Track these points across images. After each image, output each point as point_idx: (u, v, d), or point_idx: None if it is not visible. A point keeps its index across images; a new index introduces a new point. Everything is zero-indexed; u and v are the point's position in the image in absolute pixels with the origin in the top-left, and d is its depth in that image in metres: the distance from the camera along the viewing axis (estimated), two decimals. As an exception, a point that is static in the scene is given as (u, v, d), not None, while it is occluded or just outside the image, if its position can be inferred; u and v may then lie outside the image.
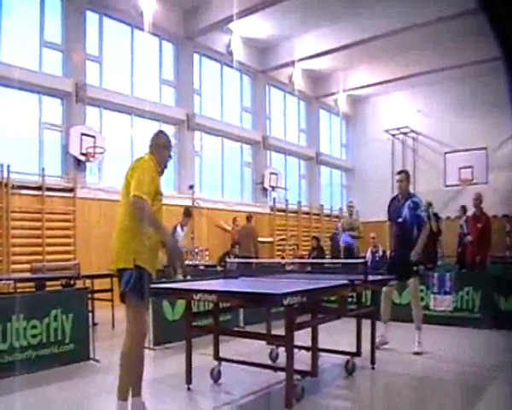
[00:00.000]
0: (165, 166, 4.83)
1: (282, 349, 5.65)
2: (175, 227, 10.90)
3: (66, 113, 12.98)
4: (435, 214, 12.16)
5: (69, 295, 7.23)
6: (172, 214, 11.20)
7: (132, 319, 4.41)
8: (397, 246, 7.76)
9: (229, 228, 15.83)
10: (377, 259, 14.33)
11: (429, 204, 12.16)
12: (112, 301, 9.49)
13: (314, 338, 5.35)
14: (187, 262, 11.81)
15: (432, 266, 11.38)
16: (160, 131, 5.01)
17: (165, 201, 14.20)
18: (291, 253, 17.96)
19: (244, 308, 8.46)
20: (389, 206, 7.95)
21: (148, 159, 4.60)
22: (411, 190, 8.05)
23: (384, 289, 7.52)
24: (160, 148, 4.72)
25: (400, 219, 7.59)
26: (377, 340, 6.86)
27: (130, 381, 4.42)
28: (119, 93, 13.98)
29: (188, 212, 11.53)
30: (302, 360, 5.37)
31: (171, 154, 4.91)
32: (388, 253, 8.38)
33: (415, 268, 7.45)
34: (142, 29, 13.93)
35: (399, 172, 7.90)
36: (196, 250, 14.12)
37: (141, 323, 4.47)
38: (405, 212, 7.53)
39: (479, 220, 11.07)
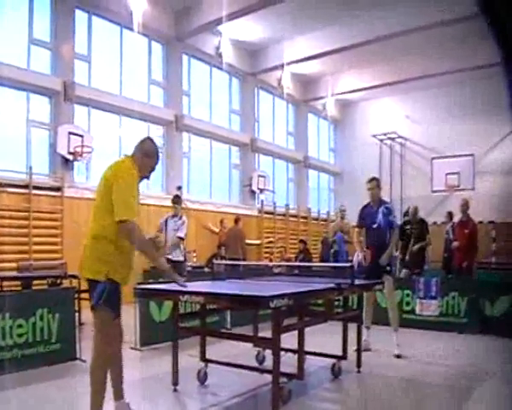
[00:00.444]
0: (147, 177, 4.58)
1: (268, 352, 5.66)
2: (166, 220, 10.56)
3: (54, 111, 12.91)
4: (422, 220, 12.16)
5: (56, 295, 7.18)
6: (160, 216, 11.09)
7: (101, 330, 4.25)
8: (371, 251, 7.82)
9: (217, 230, 15.82)
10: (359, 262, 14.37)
11: (415, 209, 12.18)
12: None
13: (300, 341, 5.36)
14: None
15: (419, 272, 11.42)
16: (148, 138, 4.75)
17: (152, 201, 14.04)
18: (278, 255, 17.99)
19: (231, 310, 8.46)
20: (361, 213, 8.08)
21: (130, 164, 4.39)
22: (386, 197, 8.19)
23: (365, 294, 7.56)
24: (144, 155, 4.48)
25: (375, 225, 7.74)
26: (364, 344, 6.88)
27: (102, 398, 4.20)
28: (108, 93, 13.92)
29: (174, 199, 10.75)
30: (288, 362, 5.38)
31: (155, 166, 4.61)
32: (357, 259, 8.48)
33: (387, 268, 7.62)
34: (131, 29, 13.86)
35: (370, 181, 8.01)
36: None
37: (114, 331, 4.31)
38: (380, 218, 7.70)
39: (465, 226, 11.12)
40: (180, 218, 10.36)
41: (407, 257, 11.66)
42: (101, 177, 4.42)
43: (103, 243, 4.17)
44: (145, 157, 4.49)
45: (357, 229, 8.21)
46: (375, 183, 7.92)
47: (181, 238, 10.12)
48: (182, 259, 10.30)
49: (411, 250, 11.50)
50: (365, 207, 8.04)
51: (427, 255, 12.73)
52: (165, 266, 4.51)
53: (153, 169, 4.60)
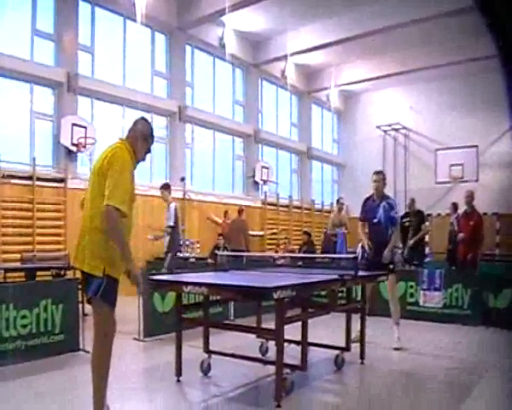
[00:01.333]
0: (143, 159, 4.44)
1: (271, 343, 5.66)
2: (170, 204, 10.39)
3: (57, 103, 12.90)
4: (419, 211, 12.10)
5: (59, 286, 7.21)
6: (162, 207, 11.01)
7: (101, 321, 4.11)
8: (372, 246, 7.78)
9: (220, 221, 15.80)
10: (366, 255, 14.35)
11: (412, 201, 12.15)
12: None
13: (304, 332, 5.36)
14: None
15: (419, 264, 11.41)
16: (144, 119, 4.55)
17: (155, 193, 14.01)
18: (282, 247, 17.99)
19: (234, 301, 8.47)
20: (363, 205, 7.99)
21: (125, 149, 4.20)
22: (387, 191, 8.09)
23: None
24: (141, 137, 4.34)
25: (375, 220, 7.67)
26: (355, 335, 6.81)
27: (105, 390, 4.09)
28: (111, 84, 13.89)
29: (161, 186, 10.56)
30: (291, 353, 5.39)
31: (151, 147, 4.47)
32: (360, 251, 8.40)
33: (391, 266, 7.53)
34: (134, 20, 13.82)
35: (377, 173, 7.88)
36: (187, 243, 14.10)
37: (109, 324, 4.13)
38: (380, 213, 7.62)
39: (470, 218, 11.04)
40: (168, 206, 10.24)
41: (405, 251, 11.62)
42: (95, 165, 4.22)
43: (101, 236, 4.00)
44: (142, 140, 4.35)
45: (360, 222, 8.14)
46: (381, 176, 7.79)
47: (170, 227, 9.96)
48: (165, 249, 10.19)
49: (409, 244, 11.49)
50: (367, 199, 7.93)
51: (429, 246, 12.70)
52: (135, 270, 4.12)
53: (149, 151, 4.47)
